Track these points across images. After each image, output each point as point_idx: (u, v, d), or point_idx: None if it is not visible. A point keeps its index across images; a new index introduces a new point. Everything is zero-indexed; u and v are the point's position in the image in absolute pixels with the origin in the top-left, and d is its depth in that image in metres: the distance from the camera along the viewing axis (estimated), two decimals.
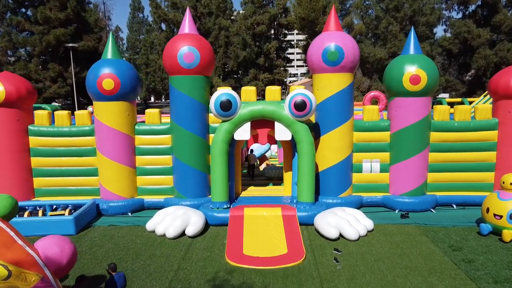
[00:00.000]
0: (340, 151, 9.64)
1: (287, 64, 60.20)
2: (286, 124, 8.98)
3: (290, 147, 9.74)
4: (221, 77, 36.37)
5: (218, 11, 33.00)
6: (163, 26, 38.60)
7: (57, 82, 34.02)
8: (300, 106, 8.69)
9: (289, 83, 61.72)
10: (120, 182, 9.78)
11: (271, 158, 15.51)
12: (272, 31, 54.32)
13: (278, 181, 11.66)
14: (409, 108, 9.41)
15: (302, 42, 43.17)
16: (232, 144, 9.43)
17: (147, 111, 10.05)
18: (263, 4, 51.70)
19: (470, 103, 24.89)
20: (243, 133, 9.10)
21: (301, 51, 56.36)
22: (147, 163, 10.08)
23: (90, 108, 17.75)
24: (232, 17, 61.46)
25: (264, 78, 54.78)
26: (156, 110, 10.04)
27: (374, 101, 16.18)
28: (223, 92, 8.91)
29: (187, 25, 9.70)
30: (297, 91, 8.95)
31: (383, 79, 10.12)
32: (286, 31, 54.67)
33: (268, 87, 9.88)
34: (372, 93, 16.22)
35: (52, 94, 33.85)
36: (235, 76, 37.59)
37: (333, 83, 9.42)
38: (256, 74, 55.33)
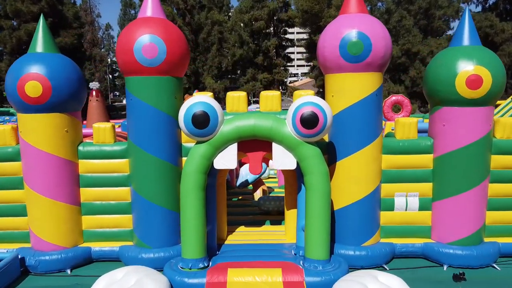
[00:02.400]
0: (365, 182, 7.11)
1: (288, 64, 57.88)
2: (289, 147, 6.46)
3: (294, 176, 7.20)
4: (215, 77, 33.82)
5: (210, 4, 30.48)
6: None
7: None
8: (309, 122, 6.15)
9: (289, 83, 59.46)
10: (57, 226, 7.23)
11: (269, 177, 13.00)
12: (272, 28, 52.03)
13: (278, 215, 9.14)
14: (463, 122, 6.87)
15: (303, 40, 40.69)
16: (213, 173, 6.89)
17: (94, 125, 7.51)
18: None
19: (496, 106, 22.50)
20: (226, 159, 6.56)
21: (303, 50, 54.06)
22: (96, 198, 7.54)
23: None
24: (229, 14, 59.19)
25: (263, 79, 52.50)
26: (108, 125, 7.50)
27: (396, 108, 13.74)
28: (197, 100, 6.37)
29: (149, 5, 7.17)
30: (305, 98, 6.39)
31: (423, 80, 7.61)
32: (286, 28, 52.36)
33: (263, 93, 7.33)
34: (393, 98, 13.72)
35: None
36: (231, 76, 35.05)
37: (355, 87, 6.90)
38: (254, 74, 52.99)
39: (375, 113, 7.09)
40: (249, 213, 9.44)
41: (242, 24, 39.11)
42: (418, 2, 30.68)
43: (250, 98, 55.90)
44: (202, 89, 34.78)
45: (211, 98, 6.49)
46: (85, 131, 16.50)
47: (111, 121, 24.04)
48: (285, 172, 7.41)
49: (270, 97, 7.26)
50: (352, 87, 6.94)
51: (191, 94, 30.52)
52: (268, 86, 54.15)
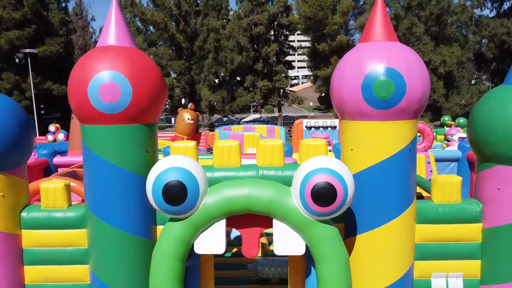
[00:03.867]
0: (395, 262, 5.53)
1: (289, 70, 56.50)
2: (296, 226, 4.89)
3: (302, 256, 5.61)
4: (211, 87, 32.32)
5: (206, 9, 29.02)
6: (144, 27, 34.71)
7: (12, 95, 29.96)
8: (323, 197, 4.58)
9: (290, 86, 57.62)
10: None
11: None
12: (272, 32, 50.68)
13: (281, 285, 7.54)
14: None
15: (305, 47, 39.17)
16: (193, 256, 5.30)
17: (42, 185, 5.93)
18: (261, 2, 48.04)
19: None
20: (212, 243, 4.99)
21: (304, 54, 52.62)
22: (45, 279, 5.98)
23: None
24: (228, 17, 57.91)
25: (262, 86, 50.99)
26: (60, 184, 5.93)
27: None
28: (169, 165, 4.79)
29: (112, 28, 5.60)
30: (316, 162, 4.80)
31: (468, 125, 6.04)
32: (287, 33, 50.94)
33: (261, 144, 5.75)
34: None
35: None
36: (228, 86, 33.57)
37: (383, 139, 5.34)
38: (254, 81, 51.47)
39: (408, 173, 5.52)
40: (243, 281, 7.83)
41: (237, 28, 37.56)
42: (430, 8, 29.19)
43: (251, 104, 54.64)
44: (198, 100, 33.28)
45: (189, 159, 4.91)
46: (67, 159, 14.97)
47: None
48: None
49: (269, 148, 5.70)
50: (378, 140, 5.38)
51: (185, 107, 28.98)
52: (268, 94, 52.68)
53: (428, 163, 12.10)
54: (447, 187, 5.79)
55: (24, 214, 5.87)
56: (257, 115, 50.15)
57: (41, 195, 5.92)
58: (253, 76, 51.51)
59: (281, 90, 51.82)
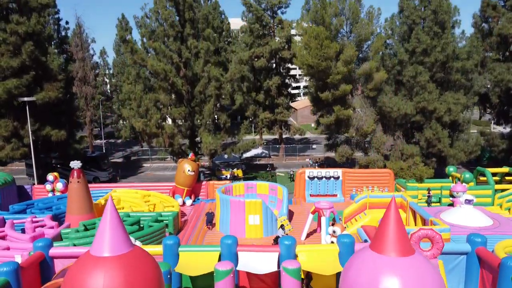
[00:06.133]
0: None
1: (291, 101, 56.47)
2: None
3: None
4: (212, 131, 32.18)
5: (207, 57, 29.00)
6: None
7: (11, 142, 29.80)
8: None
9: (291, 101, 57.11)
10: None
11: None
12: (274, 65, 50.83)
13: None
14: None
15: (308, 89, 39.08)
16: None
17: None
18: (264, 34, 48.16)
19: None
20: None
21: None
22: None
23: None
24: (229, 40, 58.08)
25: (264, 118, 50.87)
26: None
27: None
28: None
29: (107, 235, 5.36)
30: None
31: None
32: (289, 65, 51.05)
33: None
34: (422, 231, 11.90)
35: (4, 158, 29.61)
36: (229, 130, 33.42)
37: None
38: (255, 111, 51.42)
39: None
40: None
41: (243, 62, 37.50)
42: (435, 55, 29.13)
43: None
44: (198, 149, 33.12)
45: None
46: (63, 251, 14.75)
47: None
48: None
49: None
50: None
51: (186, 156, 28.71)
52: (270, 126, 52.56)
53: None
54: None
55: None
56: (258, 150, 49.98)
57: None
58: (254, 106, 51.56)
59: (282, 123, 51.88)
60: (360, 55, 31.50)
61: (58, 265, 14.26)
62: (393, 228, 5.21)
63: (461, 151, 30.68)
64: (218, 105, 30.37)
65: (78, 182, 20.99)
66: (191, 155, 28.05)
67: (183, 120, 31.12)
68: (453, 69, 30.29)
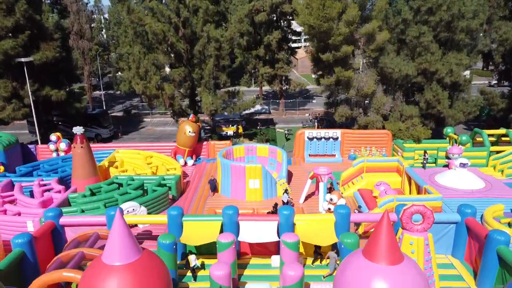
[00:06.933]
0: None
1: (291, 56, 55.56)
2: None
3: None
4: (212, 89, 32.20)
5: (206, 16, 28.38)
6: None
7: (11, 103, 29.94)
8: None
9: (292, 53, 56.42)
10: None
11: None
12: (274, 19, 49.54)
13: None
14: None
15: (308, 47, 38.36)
16: None
17: None
18: None
19: None
20: None
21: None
22: None
23: None
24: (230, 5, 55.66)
25: (264, 73, 50.46)
26: None
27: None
28: None
29: (116, 242, 5.93)
30: None
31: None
32: (290, 18, 49.73)
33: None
34: (414, 207, 12.53)
35: (6, 118, 29.89)
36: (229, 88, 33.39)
37: None
38: (255, 65, 50.93)
39: None
40: None
41: (242, 15, 36.60)
42: (440, 14, 28.43)
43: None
44: (198, 108, 33.22)
45: None
46: (74, 219, 15.55)
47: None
48: None
49: None
50: None
51: (187, 116, 28.93)
52: (270, 81, 52.22)
53: (427, 244, 12.60)
54: None
55: None
56: (258, 107, 50.06)
57: None
58: (255, 60, 50.96)
59: (283, 77, 51.45)
60: (363, 13, 30.72)
61: (69, 233, 15.11)
62: (384, 239, 5.76)
63: (460, 111, 30.89)
64: (218, 65, 30.12)
65: (81, 147, 21.50)
66: (191, 116, 28.33)
67: (183, 81, 31.05)
68: (458, 29, 29.71)
